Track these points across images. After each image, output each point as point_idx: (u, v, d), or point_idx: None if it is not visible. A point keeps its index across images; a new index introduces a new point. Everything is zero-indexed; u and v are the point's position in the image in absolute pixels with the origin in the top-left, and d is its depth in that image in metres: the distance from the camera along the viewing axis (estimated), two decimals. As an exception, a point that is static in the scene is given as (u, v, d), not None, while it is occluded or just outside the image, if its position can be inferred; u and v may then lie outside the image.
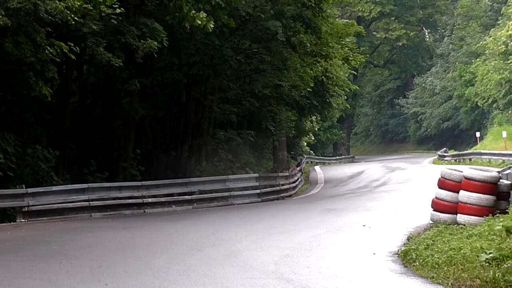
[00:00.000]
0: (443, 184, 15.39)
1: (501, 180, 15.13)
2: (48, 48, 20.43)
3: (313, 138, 60.91)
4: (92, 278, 10.57)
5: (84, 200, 21.92)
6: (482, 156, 49.69)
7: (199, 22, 22.77)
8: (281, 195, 30.69)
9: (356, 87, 50.80)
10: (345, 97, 51.75)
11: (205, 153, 33.78)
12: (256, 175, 30.07)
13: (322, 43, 30.89)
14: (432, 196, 15.78)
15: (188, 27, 23.42)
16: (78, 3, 19.97)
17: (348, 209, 22.00)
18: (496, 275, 9.40)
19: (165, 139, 32.73)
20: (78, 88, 28.32)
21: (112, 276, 10.74)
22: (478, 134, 63.26)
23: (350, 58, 39.61)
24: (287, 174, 34.35)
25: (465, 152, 59.00)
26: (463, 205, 14.78)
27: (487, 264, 10.02)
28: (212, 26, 23.15)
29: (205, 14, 23.06)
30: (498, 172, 18.92)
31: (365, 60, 57.59)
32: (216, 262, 11.90)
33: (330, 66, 36.31)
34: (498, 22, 68.31)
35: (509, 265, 9.70)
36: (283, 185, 31.64)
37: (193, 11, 22.98)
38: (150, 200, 23.97)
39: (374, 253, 12.58)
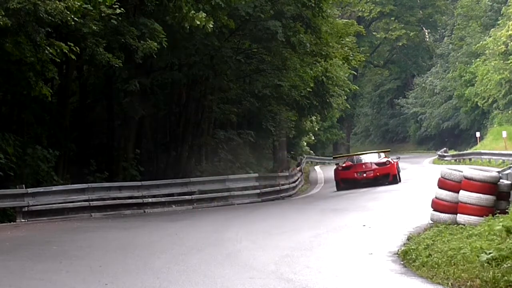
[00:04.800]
0: (443, 184, 15.38)
1: (501, 180, 15.13)
2: (48, 48, 20.44)
3: (313, 138, 60.91)
4: (92, 278, 10.58)
5: (84, 200, 21.93)
6: (482, 156, 49.69)
7: (198, 22, 22.80)
8: (281, 195, 30.71)
9: (356, 87, 50.81)
10: (345, 97, 51.79)
11: (205, 153, 33.79)
12: (256, 175, 30.09)
13: (322, 43, 30.90)
14: (432, 196, 15.78)
15: (188, 27, 23.43)
16: (78, 3, 19.98)
17: (348, 209, 22.01)
18: (496, 275, 9.40)
19: (165, 139, 32.73)
20: (78, 88, 28.33)
21: (112, 276, 10.75)
22: (478, 134, 63.26)
23: (350, 58, 39.61)
24: (287, 174, 34.37)
25: (465, 152, 59.02)
26: (463, 205, 14.77)
27: (487, 264, 10.02)
28: (211, 26, 23.17)
29: (205, 14, 23.08)
30: (498, 172, 18.93)
31: (365, 60, 57.66)
32: (216, 262, 11.90)
33: (330, 66, 36.31)
34: (498, 22, 68.35)
35: (509, 265, 9.70)
36: (283, 185, 31.66)
37: (193, 11, 23.00)
38: (150, 200, 23.99)
39: (374, 253, 12.58)
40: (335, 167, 34.09)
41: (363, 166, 32.74)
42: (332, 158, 46.94)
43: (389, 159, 33.52)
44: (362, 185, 31.83)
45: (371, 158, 33.90)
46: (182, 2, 23.27)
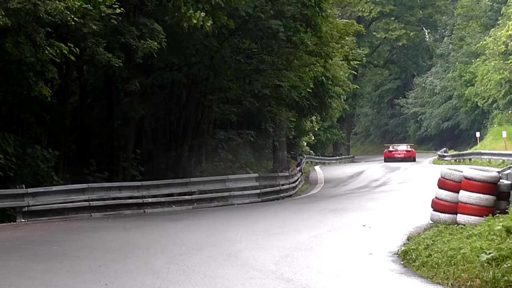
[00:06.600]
0: (443, 184, 15.39)
1: (501, 180, 15.13)
2: (48, 48, 20.43)
3: (313, 138, 60.92)
4: (92, 278, 10.58)
5: (84, 200, 21.91)
6: (482, 156, 49.71)
7: (195, 21, 22.79)
8: (281, 195, 30.70)
9: (356, 86, 50.78)
10: (345, 97, 51.75)
11: (205, 153, 33.78)
12: (256, 175, 30.08)
13: (322, 42, 30.85)
14: (432, 196, 15.78)
15: (187, 27, 23.43)
16: (78, 3, 19.97)
17: (348, 209, 22.01)
18: (496, 275, 9.40)
19: (165, 139, 32.72)
20: (78, 88, 28.33)
21: (112, 276, 10.75)
22: (478, 134, 63.31)
23: (350, 58, 39.53)
24: (287, 174, 34.35)
25: (465, 152, 59.06)
26: (463, 205, 14.78)
27: (487, 264, 10.02)
28: (209, 25, 23.16)
29: (204, 14, 23.08)
30: (498, 172, 18.92)
31: (365, 60, 57.76)
32: (216, 262, 11.91)
33: (330, 65, 36.24)
34: (498, 22, 68.39)
35: (509, 265, 9.70)
36: (283, 185, 31.64)
37: (191, 11, 23.00)
38: (150, 200, 23.97)
39: (374, 253, 12.58)
40: (385, 149, 64.45)
41: (399, 151, 62.27)
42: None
43: (412, 149, 63.52)
44: (398, 160, 59.18)
45: (403, 147, 64.01)
46: (181, 2, 23.27)
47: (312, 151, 64.94)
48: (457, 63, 77.98)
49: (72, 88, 27.04)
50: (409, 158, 60.51)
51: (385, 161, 60.51)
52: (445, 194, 15.27)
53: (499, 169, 27.80)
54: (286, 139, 46.89)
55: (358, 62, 42.87)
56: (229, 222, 19.53)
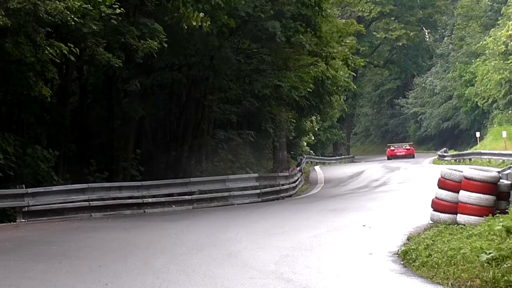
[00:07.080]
0: (443, 184, 15.38)
1: (501, 180, 15.12)
2: (48, 48, 20.44)
3: (313, 138, 60.97)
4: (92, 278, 10.58)
5: (84, 200, 21.92)
6: (482, 156, 49.68)
7: (194, 23, 22.80)
8: (281, 195, 30.70)
9: (354, 86, 50.81)
10: (345, 97, 51.78)
11: (205, 153, 33.77)
12: (256, 175, 30.08)
13: (322, 43, 30.84)
14: (432, 196, 15.77)
15: (186, 27, 23.44)
16: (78, 4, 19.98)
17: (348, 209, 22.00)
18: (496, 275, 9.40)
19: (165, 139, 32.73)
20: (78, 88, 28.33)
21: (112, 276, 10.75)
22: (478, 134, 63.30)
23: (350, 61, 39.49)
24: (287, 174, 34.36)
25: (465, 152, 59.03)
26: (463, 205, 14.76)
27: (487, 264, 10.02)
28: (207, 25, 23.16)
29: (202, 14, 23.09)
30: (498, 172, 18.90)
31: (365, 60, 57.73)
32: (216, 262, 11.91)
33: (330, 66, 36.21)
34: (498, 22, 68.41)
35: (509, 265, 9.70)
36: (283, 185, 31.64)
37: (189, 9, 23.02)
38: (150, 200, 23.97)
39: (374, 253, 12.58)
40: (387, 149, 72.12)
41: (400, 149, 70.72)
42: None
43: (411, 147, 71.78)
44: (399, 158, 66.95)
45: (403, 146, 72.24)
46: (180, 2, 23.28)
47: (312, 151, 64.99)
48: (457, 63, 78.00)
49: (72, 88, 27.05)
50: (409, 155, 68.97)
51: (388, 159, 67.87)
52: (445, 194, 15.26)
53: (499, 169, 27.78)
54: (286, 139, 46.92)
55: (359, 64, 42.75)
56: (229, 222, 19.53)
